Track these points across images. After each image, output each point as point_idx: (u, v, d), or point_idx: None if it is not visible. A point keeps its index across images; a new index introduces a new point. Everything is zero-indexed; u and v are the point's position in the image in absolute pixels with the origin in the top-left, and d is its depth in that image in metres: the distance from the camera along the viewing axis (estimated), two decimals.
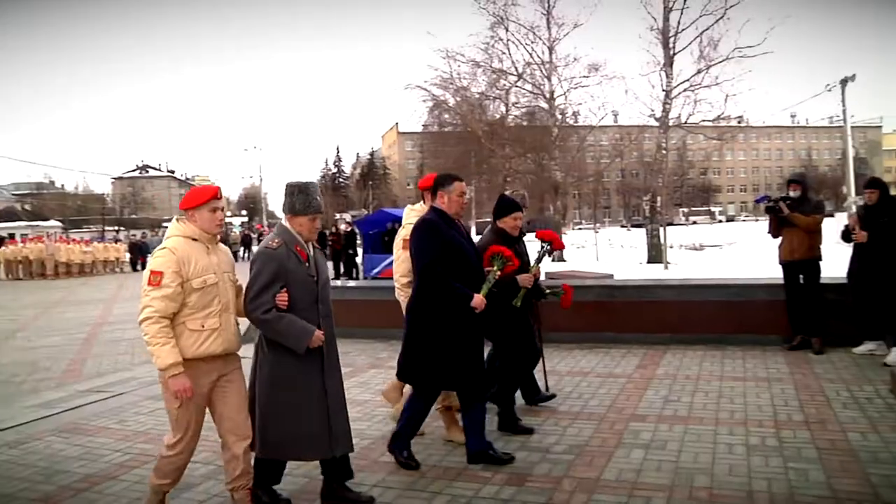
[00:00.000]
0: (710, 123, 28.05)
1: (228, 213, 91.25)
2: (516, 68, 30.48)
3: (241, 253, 41.54)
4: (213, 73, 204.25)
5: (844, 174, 36.79)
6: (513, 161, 32.70)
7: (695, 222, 72.06)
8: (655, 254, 24.58)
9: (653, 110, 26.40)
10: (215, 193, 4.07)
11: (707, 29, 25.30)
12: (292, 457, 4.26)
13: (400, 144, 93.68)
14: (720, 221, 77.88)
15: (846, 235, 7.61)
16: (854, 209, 7.37)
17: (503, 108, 32.97)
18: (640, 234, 36.69)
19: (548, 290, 5.95)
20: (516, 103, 32.66)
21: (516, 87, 31.27)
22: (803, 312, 7.85)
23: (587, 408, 6.12)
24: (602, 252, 29.28)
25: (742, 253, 26.39)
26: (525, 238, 5.87)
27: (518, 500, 4.26)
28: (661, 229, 23.74)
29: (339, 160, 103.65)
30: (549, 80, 29.83)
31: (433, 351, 4.65)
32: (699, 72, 25.80)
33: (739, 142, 68.96)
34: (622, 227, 72.22)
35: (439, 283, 4.59)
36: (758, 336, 8.25)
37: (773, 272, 8.62)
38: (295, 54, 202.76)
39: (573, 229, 66.23)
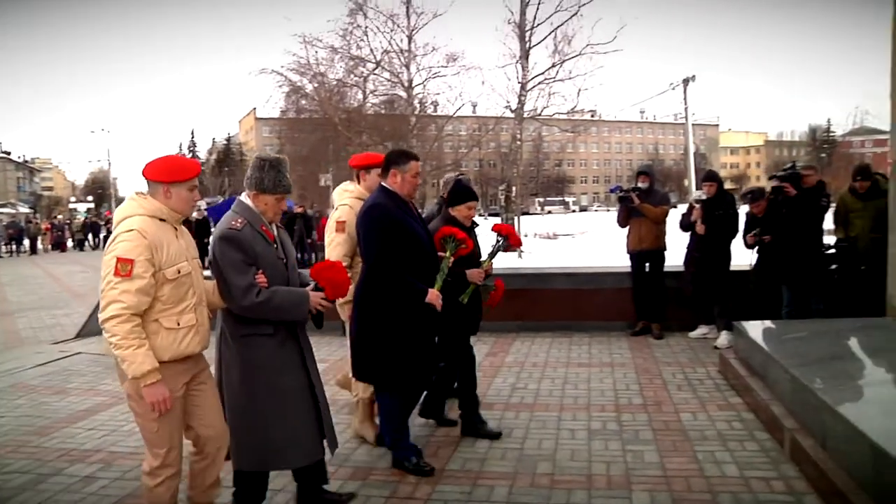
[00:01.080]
0: (564, 116, 29.12)
1: (73, 199, 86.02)
2: (375, 56, 30.41)
3: (89, 241, 39.13)
4: (53, 50, 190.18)
5: (686, 168, 39.14)
6: (370, 149, 32.49)
7: (549, 212, 74.25)
8: None
9: (509, 102, 27.12)
10: (200, 170, 3.76)
11: (561, 25, 26.31)
12: (281, 466, 3.82)
13: (257, 130, 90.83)
14: (574, 211, 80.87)
15: (685, 224, 8.03)
16: (696, 201, 7.74)
17: (361, 96, 32.77)
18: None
19: (480, 284, 5.46)
20: (374, 91, 32.57)
21: (375, 74, 31.20)
22: (647, 300, 8.27)
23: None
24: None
25: (593, 242, 27.54)
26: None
27: (363, 494, 4.21)
28: (516, 218, 24.40)
29: (194, 145, 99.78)
30: (408, 68, 30.05)
31: (389, 348, 4.31)
32: (554, 66, 26.81)
33: (592, 135, 72.14)
34: (479, 215, 73.33)
35: (392, 277, 4.24)
36: (604, 322, 8.61)
37: (620, 261, 9.00)
38: (145, 33, 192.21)
39: None
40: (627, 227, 8.36)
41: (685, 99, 36.12)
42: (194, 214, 23.63)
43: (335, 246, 4.88)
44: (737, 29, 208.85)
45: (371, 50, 30.31)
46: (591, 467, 4.49)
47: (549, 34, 26.58)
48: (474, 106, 38.29)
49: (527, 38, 26.33)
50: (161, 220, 3.37)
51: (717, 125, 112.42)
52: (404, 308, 4.28)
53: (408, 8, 29.44)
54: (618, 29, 26.84)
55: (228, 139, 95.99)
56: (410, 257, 4.28)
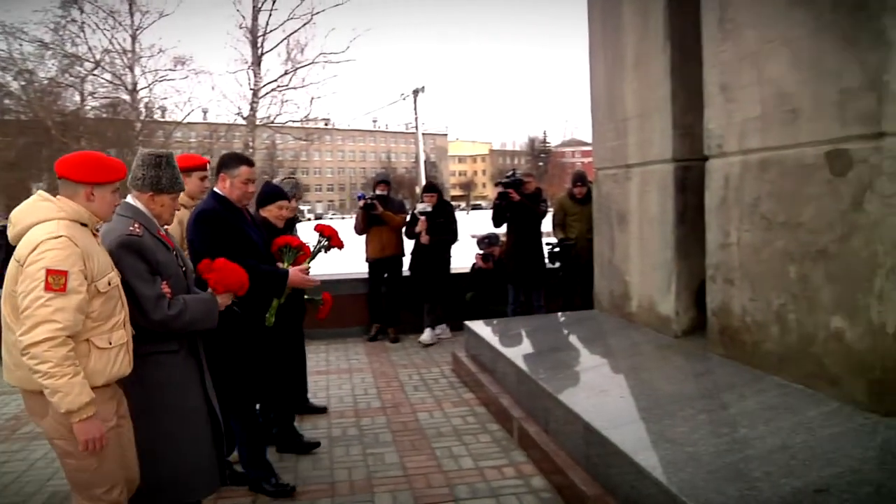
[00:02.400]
0: (297, 124, 28.95)
1: None
2: (94, 55, 27.92)
3: None
4: None
5: (418, 175, 40.83)
6: None
7: None
8: None
9: (240, 109, 26.40)
10: (126, 171, 3.02)
11: (294, 32, 26.11)
12: (192, 498, 3.34)
13: None
14: (309, 219, 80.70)
15: (409, 232, 8.29)
16: (419, 213, 8.01)
17: (79, 98, 29.95)
18: None
19: (306, 297, 5.04)
20: (94, 93, 29.87)
21: (94, 75, 28.62)
22: (383, 305, 8.44)
23: None
24: None
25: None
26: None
27: None
28: None
29: None
30: (132, 70, 28.02)
31: (228, 361, 3.90)
32: (287, 73, 26.53)
33: (326, 143, 72.44)
34: None
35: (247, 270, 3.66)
36: (341, 329, 8.64)
37: (354, 268, 9.08)
38: None
39: None
40: (365, 235, 8.44)
41: (415, 109, 37.71)
42: None
43: None
44: (463, 44, 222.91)
45: (90, 48, 27.80)
46: (334, 474, 4.46)
47: (282, 41, 26.34)
48: (205, 112, 36.82)
49: (259, 45, 25.87)
50: (83, 224, 2.86)
51: (446, 135, 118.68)
52: (236, 326, 3.84)
53: (131, 5, 27.47)
54: (351, 39, 27.30)
55: None
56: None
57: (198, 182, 4.45)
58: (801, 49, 3.68)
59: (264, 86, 26.34)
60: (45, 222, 2.76)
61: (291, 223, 5.24)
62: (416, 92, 37.51)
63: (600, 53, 6.27)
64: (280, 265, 4.22)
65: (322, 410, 5.72)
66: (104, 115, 30.92)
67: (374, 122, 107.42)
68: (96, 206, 2.91)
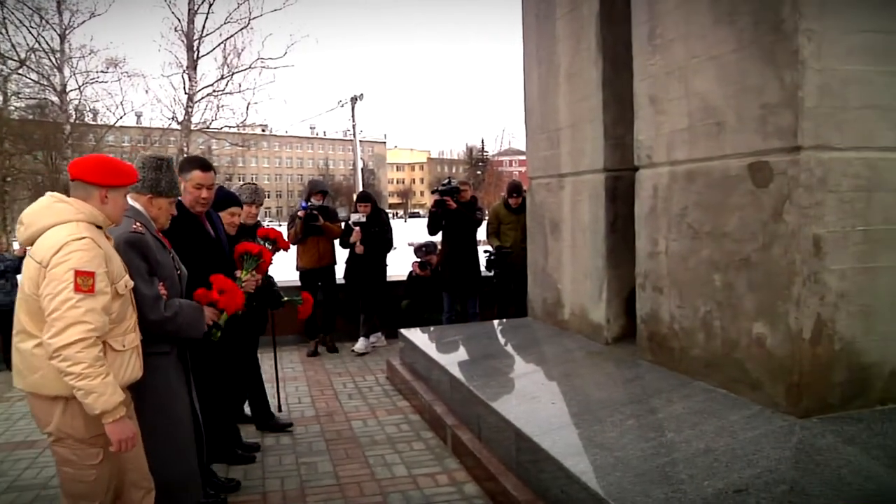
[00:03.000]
0: (234, 130, 28.47)
1: None
2: (17, 53, 26.88)
3: None
4: None
5: (356, 183, 40.65)
6: (14, 159, 28.75)
7: None
8: None
9: (175, 113, 25.84)
10: (137, 176, 2.98)
11: (231, 36, 25.65)
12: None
13: None
14: None
15: (344, 242, 8.23)
16: (354, 224, 7.95)
17: (1, 98, 28.77)
18: None
19: (285, 299, 5.05)
20: (19, 93, 28.77)
21: (19, 74, 27.51)
22: (318, 316, 8.34)
23: None
24: None
25: None
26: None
27: None
28: None
29: None
30: (61, 71, 27.00)
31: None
32: (223, 78, 26.03)
33: (263, 149, 71.55)
34: None
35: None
36: (277, 338, 8.48)
37: (283, 276, 8.95)
38: None
39: None
40: (298, 245, 8.31)
41: (353, 116, 37.57)
42: None
43: None
44: (402, 52, 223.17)
45: (13, 45, 26.74)
46: (266, 484, 4.40)
47: (219, 45, 25.85)
48: (138, 116, 36.02)
49: (195, 48, 25.32)
50: (98, 227, 2.83)
51: (385, 142, 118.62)
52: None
53: (59, 3, 26.49)
54: (288, 45, 26.97)
55: None
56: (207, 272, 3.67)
57: None
58: (726, 65, 3.81)
59: (200, 90, 25.81)
60: (64, 224, 2.72)
61: (253, 229, 5.13)
62: (353, 99, 37.42)
63: (534, 64, 6.36)
64: (239, 273, 4.05)
65: (289, 426, 5.54)
66: (30, 117, 29.84)
67: (312, 128, 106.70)
68: (109, 209, 2.89)
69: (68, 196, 2.86)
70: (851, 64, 3.39)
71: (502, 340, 6.37)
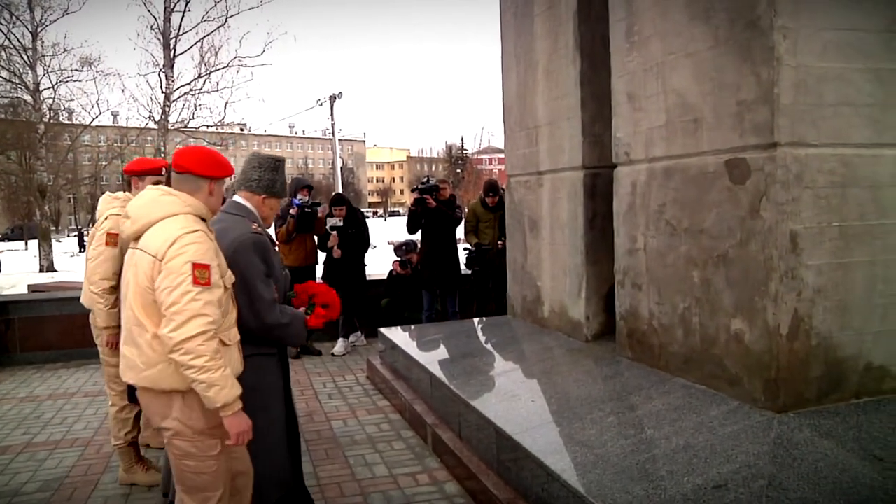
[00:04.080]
0: (212, 129, 28.23)
1: None
2: None
3: None
4: None
5: (335, 182, 40.51)
6: None
7: None
8: None
9: (152, 112, 25.58)
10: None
11: (208, 35, 25.42)
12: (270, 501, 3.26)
13: None
14: None
15: (322, 246, 8.17)
16: (331, 228, 7.87)
17: None
18: None
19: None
20: None
21: None
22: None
23: (71, 433, 5.50)
24: None
25: None
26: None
27: None
28: None
29: None
30: (33, 69, 26.62)
31: None
32: (200, 77, 25.80)
33: (242, 148, 70.92)
34: None
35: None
36: None
37: None
38: None
39: (68, 236, 60.63)
40: (284, 244, 8.23)
41: (332, 115, 37.40)
42: None
43: (102, 262, 4.19)
44: (382, 51, 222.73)
45: None
46: None
47: (196, 43, 25.61)
48: (115, 115, 35.59)
49: (171, 47, 25.06)
50: (203, 220, 2.81)
51: (364, 141, 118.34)
52: None
53: (30, 0, 26.15)
54: (266, 43, 26.78)
55: None
56: None
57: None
58: (703, 61, 3.82)
59: (177, 89, 25.56)
60: (173, 217, 2.70)
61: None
62: (332, 98, 37.23)
63: (513, 62, 6.36)
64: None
65: None
66: (2, 116, 29.42)
67: (291, 127, 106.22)
68: (214, 202, 2.90)
69: (128, 190, 2.81)
70: (826, 61, 3.41)
71: (482, 339, 6.36)
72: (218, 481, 2.81)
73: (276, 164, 3.31)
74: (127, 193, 4.61)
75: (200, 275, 2.59)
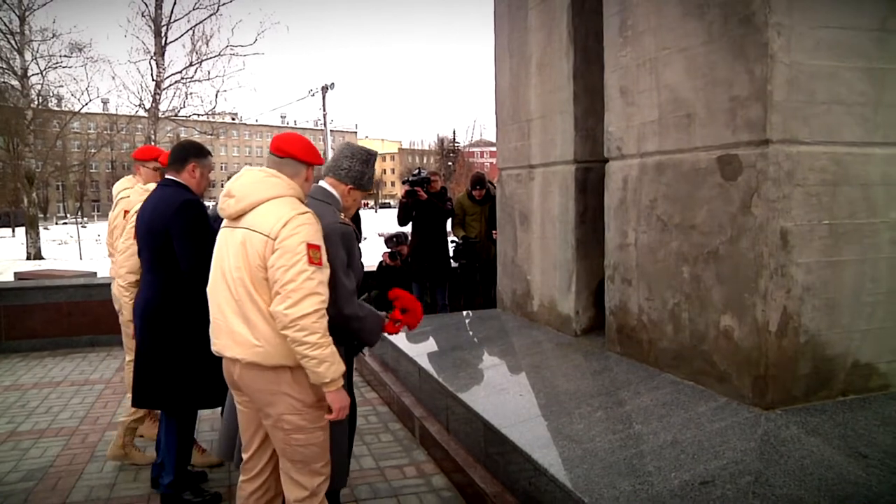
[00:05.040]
0: (203, 117, 28.10)
1: None
2: None
3: None
4: None
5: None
6: None
7: None
8: None
9: (142, 100, 25.41)
10: None
11: (200, 23, 25.30)
12: (339, 486, 3.30)
13: None
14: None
15: None
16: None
17: None
18: None
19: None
20: None
21: None
22: None
23: (56, 422, 5.46)
24: (88, 249, 27.14)
25: None
26: None
27: None
28: None
29: None
30: (21, 54, 26.40)
31: (183, 364, 3.72)
32: (192, 65, 25.66)
33: (232, 138, 70.76)
34: None
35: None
36: None
37: None
38: None
39: (56, 224, 60.31)
40: None
41: (324, 105, 37.26)
42: None
43: (129, 255, 4.17)
44: (374, 42, 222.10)
45: None
46: (232, 477, 4.33)
47: (187, 31, 25.49)
48: (105, 102, 35.40)
49: (163, 34, 24.89)
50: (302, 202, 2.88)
51: (356, 132, 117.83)
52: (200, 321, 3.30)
53: None
54: (259, 32, 26.62)
55: None
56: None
57: (150, 172, 4.61)
58: (696, 57, 3.81)
59: (168, 77, 25.41)
60: (280, 198, 2.78)
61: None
62: (324, 88, 37.10)
63: (506, 55, 6.33)
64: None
65: None
66: None
67: (283, 117, 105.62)
68: (308, 187, 2.99)
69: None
70: (819, 59, 3.41)
71: (471, 332, 6.35)
72: (325, 452, 2.92)
73: (368, 157, 3.28)
74: (133, 178, 4.80)
75: (314, 255, 2.67)
